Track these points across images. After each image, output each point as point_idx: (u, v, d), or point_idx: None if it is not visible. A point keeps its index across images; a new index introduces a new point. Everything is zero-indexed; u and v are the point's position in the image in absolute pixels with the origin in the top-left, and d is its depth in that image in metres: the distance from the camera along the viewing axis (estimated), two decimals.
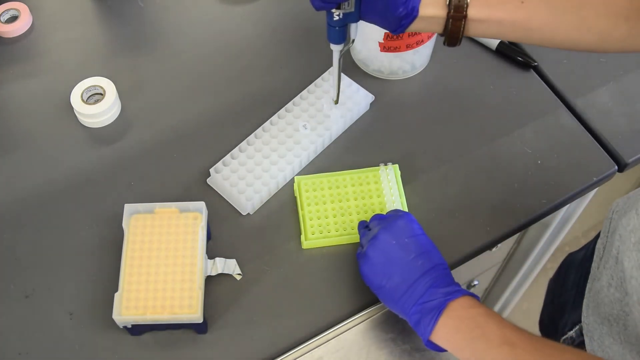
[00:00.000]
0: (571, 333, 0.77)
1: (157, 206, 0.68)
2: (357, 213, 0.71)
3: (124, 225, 0.67)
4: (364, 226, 0.67)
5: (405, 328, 0.68)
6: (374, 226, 0.65)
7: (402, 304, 0.60)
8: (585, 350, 0.71)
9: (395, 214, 0.66)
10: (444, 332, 0.58)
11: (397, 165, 0.74)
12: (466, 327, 0.57)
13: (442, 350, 0.60)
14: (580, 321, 0.73)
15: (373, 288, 0.63)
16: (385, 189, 0.73)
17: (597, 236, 0.73)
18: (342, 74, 0.80)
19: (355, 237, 0.70)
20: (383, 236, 0.63)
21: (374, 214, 0.71)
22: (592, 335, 0.69)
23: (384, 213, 0.71)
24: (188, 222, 0.67)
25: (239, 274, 0.67)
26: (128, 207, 0.67)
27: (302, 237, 0.70)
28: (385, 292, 0.62)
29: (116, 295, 0.63)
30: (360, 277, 0.69)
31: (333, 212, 0.71)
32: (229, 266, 0.67)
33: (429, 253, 0.62)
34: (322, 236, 0.70)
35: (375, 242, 0.63)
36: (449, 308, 0.58)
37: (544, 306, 0.94)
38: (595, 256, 0.69)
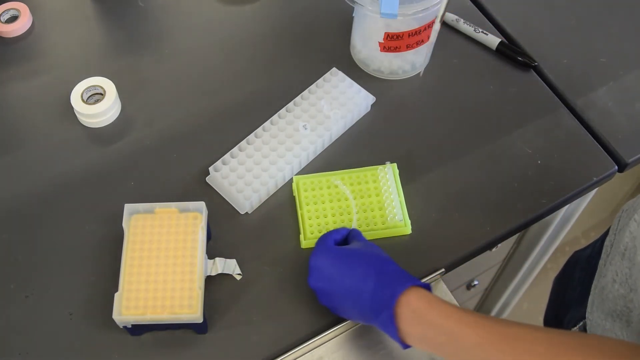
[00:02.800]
0: (575, 329, 0.77)
1: (157, 206, 0.68)
2: (357, 212, 0.71)
3: (124, 225, 0.67)
4: None
5: None
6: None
7: (364, 321, 0.62)
8: None
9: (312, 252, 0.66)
10: (413, 341, 0.58)
11: (395, 164, 0.74)
12: (431, 333, 0.56)
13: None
14: (584, 318, 0.73)
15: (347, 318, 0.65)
16: (383, 187, 0.73)
17: (604, 234, 0.73)
18: (343, 74, 0.80)
19: None
20: (311, 280, 0.63)
21: (372, 212, 0.71)
22: (595, 331, 0.70)
23: (383, 211, 0.71)
24: (188, 222, 0.67)
25: (239, 274, 0.67)
26: (128, 207, 0.67)
27: (301, 236, 0.70)
28: (347, 316, 0.64)
29: (116, 295, 0.63)
30: None
31: (332, 212, 0.71)
32: (229, 266, 0.67)
33: (351, 269, 0.61)
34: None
35: (311, 285, 0.64)
36: (404, 315, 0.57)
37: (548, 304, 0.94)
38: (603, 253, 0.69)
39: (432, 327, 0.56)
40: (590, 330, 0.71)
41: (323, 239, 0.66)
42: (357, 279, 0.60)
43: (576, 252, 0.87)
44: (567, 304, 0.83)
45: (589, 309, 0.71)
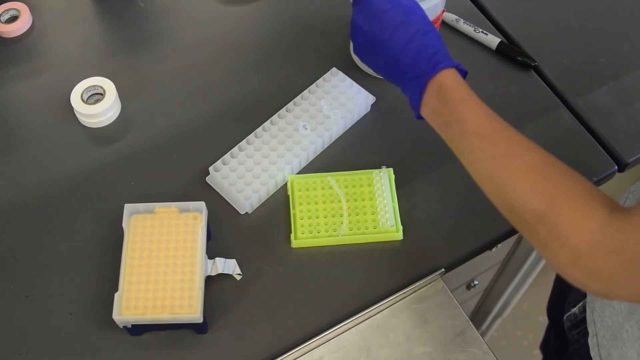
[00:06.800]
0: (574, 310, 0.78)
1: (157, 206, 0.68)
2: (349, 215, 0.71)
3: (124, 225, 0.67)
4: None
5: (406, 329, 0.68)
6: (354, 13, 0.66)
7: (395, 81, 0.64)
8: (586, 322, 0.73)
9: None
10: (426, 112, 0.61)
11: (391, 168, 0.74)
12: (444, 111, 0.59)
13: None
14: (583, 298, 0.74)
15: (372, 70, 0.67)
16: (377, 192, 0.73)
17: None
18: (343, 74, 0.80)
19: (344, 239, 0.70)
20: (357, 21, 0.64)
21: (365, 216, 0.71)
22: (594, 306, 0.71)
23: (375, 215, 0.71)
24: (188, 222, 0.67)
25: (238, 274, 0.67)
26: (128, 207, 0.67)
27: (292, 236, 0.70)
28: (380, 72, 0.66)
29: (116, 295, 0.63)
30: (359, 277, 0.69)
31: (324, 213, 0.71)
32: (229, 266, 0.67)
33: (403, 23, 0.62)
34: (311, 236, 0.70)
35: (353, 29, 0.65)
36: (429, 87, 0.60)
37: (551, 292, 0.95)
38: None
39: (448, 105, 0.59)
40: (589, 305, 0.72)
41: None
42: (412, 30, 0.62)
43: None
44: (568, 287, 0.84)
45: None
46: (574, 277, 0.51)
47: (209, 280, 0.67)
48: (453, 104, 0.59)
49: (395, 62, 0.62)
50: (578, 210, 0.50)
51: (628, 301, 0.62)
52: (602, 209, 0.49)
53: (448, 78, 0.60)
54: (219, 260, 0.67)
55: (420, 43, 0.61)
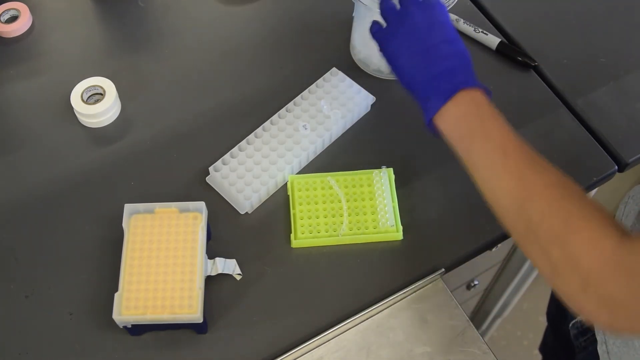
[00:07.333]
0: (579, 318, 0.77)
1: (157, 206, 0.68)
2: (349, 215, 0.71)
3: (124, 225, 0.67)
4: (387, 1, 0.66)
5: (406, 329, 0.68)
6: (408, 5, 0.64)
7: (417, 82, 0.62)
8: (593, 329, 0.72)
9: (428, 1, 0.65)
10: (447, 118, 0.59)
11: (391, 169, 0.74)
12: (471, 120, 0.58)
13: (437, 135, 0.61)
14: None
15: (393, 66, 0.65)
16: (377, 192, 0.73)
17: None
18: (343, 74, 0.80)
19: (344, 239, 0.70)
20: (417, 18, 0.63)
21: (364, 216, 0.71)
22: None
23: (375, 215, 0.71)
24: (188, 222, 0.67)
25: (238, 274, 0.67)
26: (128, 207, 0.67)
27: (292, 236, 0.70)
28: (405, 71, 0.63)
29: (116, 295, 0.63)
30: (359, 277, 0.69)
31: (324, 213, 0.71)
32: (228, 266, 0.67)
33: (454, 41, 0.62)
34: (311, 236, 0.70)
35: (407, 22, 0.63)
36: (460, 95, 0.59)
37: (550, 298, 0.94)
38: None
39: (477, 117, 0.58)
40: None
41: None
42: (450, 39, 0.62)
43: None
44: None
45: None
46: (582, 306, 0.50)
47: (209, 280, 0.67)
48: (483, 117, 0.58)
49: (432, 63, 0.61)
50: (594, 230, 0.49)
51: (632, 333, 0.62)
52: (615, 231, 0.49)
53: (481, 94, 0.60)
54: (219, 260, 0.67)
55: (462, 60, 0.62)
